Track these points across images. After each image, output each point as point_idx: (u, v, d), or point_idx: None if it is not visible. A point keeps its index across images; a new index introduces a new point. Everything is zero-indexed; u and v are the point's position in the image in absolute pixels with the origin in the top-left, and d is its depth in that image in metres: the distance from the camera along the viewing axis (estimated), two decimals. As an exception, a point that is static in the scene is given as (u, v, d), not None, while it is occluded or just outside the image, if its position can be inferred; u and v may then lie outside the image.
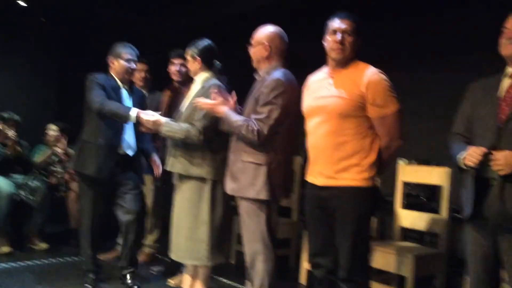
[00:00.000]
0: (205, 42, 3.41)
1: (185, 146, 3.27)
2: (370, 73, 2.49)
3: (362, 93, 2.47)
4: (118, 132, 3.63)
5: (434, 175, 3.68)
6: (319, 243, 2.65)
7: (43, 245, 4.82)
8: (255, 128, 2.78)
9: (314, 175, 2.63)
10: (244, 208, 2.94)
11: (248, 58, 3.07)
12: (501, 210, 2.24)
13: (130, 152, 3.72)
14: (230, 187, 3.00)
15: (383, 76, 2.51)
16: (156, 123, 3.29)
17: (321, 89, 2.62)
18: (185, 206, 3.30)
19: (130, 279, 3.72)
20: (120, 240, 4.40)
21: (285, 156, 2.93)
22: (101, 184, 3.64)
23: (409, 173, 3.85)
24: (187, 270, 3.51)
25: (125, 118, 3.42)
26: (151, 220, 4.61)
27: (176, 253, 3.36)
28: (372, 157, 2.50)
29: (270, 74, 2.90)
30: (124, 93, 3.74)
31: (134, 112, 3.38)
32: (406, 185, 4.03)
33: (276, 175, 2.86)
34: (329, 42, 2.57)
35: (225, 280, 4.14)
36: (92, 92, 3.54)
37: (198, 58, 3.36)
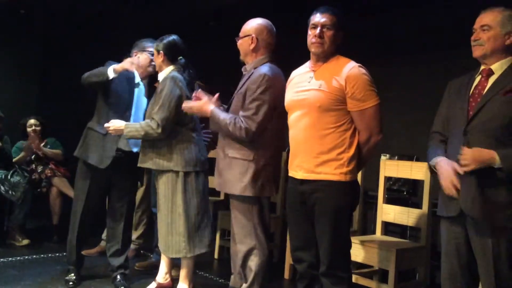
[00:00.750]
0: (170, 37, 3.46)
1: (152, 141, 3.31)
2: (350, 67, 2.51)
3: (341, 86, 2.49)
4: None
5: (416, 170, 3.72)
6: (300, 238, 2.67)
7: (25, 241, 4.77)
8: (243, 126, 2.78)
9: (294, 168, 2.64)
10: (235, 204, 2.94)
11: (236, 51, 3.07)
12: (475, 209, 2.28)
13: (135, 149, 3.59)
14: (216, 182, 3.00)
15: (363, 70, 2.53)
16: (116, 130, 3.35)
17: (302, 83, 2.64)
18: (161, 201, 3.36)
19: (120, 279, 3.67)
20: (105, 236, 4.42)
21: (275, 151, 2.95)
22: (100, 175, 3.55)
23: (391, 168, 3.88)
24: (166, 263, 3.56)
25: (102, 75, 3.40)
26: (137, 216, 4.59)
27: (161, 248, 3.42)
28: (352, 151, 2.52)
29: (257, 68, 2.91)
30: (141, 87, 3.69)
31: (111, 67, 3.39)
32: (388, 179, 4.07)
33: (266, 171, 2.87)
34: (309, 36, 2.59)
35: (208, 275, 4.14)
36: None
37: (162, 52, 3.42)
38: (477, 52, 2.40)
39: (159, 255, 4.11)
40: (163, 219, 3.36)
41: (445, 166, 2.35)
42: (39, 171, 5.13)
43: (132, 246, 4.56)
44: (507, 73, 2.34)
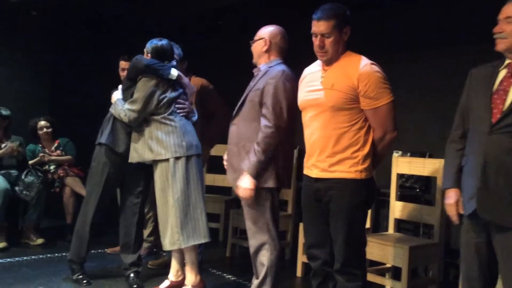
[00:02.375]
0: (159, 41, 3.51)
1: (135, 133, 3.45)
2: (362, 65, 2.47)
3: (354, 85, 2.46)
4: None
5: (428, 167, 3.70)
6: (315, 235, 2.66)
7: (39, 240, 4.81)
8: (269, 132, 2.82)
9: (309, 167, 2.64)
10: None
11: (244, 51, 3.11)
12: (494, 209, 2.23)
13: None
14: (231, 178, 3.02)
15: (376, 68, 2.48)
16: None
17: (314, 82, 2.61)
18: (157, 194, 3.41)
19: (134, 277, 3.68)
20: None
21: (288, 148, 2.98)
22: (119, 166, 3.59)
23: (403, 165, 3.86)
24: (177, 260, 3.59)
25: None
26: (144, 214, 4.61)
27: (162, 242, 3.44)
28: (366, 149, 2.51)
29: (272, 67, 2.96)
30: None
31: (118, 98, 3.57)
32: (401, 176, 4.05)
33: (280, 165, 2.90)
34: (313, 43, 2.56)
35: (220, 273, 4.15)
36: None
37: (149, 55, 3.49)
38: (500, 46, 2.27)
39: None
40: (159, 213, 3.40)
41: (450, 200, 2.44)
42: (52, 171, 5.18)
43: (145, 244, 4.59)
44: None
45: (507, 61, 2.33)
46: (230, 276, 4.10)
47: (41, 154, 5.15)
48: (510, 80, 2.27)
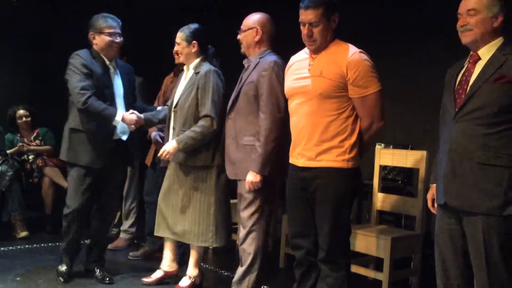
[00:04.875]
0: (197, 25, 3.37)
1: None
2: (351, 53, 2.47)
3: (342, 73, 2.45)
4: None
5: (411, 159, 3.71)
6: (299, 224, 2.65)
7: (23, 233, 4.69)
8: (266, 128, 2.80)
9: (295, 156, 2.62)
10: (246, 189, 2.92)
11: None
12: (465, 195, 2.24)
13: (124, 137, 3.49)
14: (230, 171, 3.02)
15: (364, 56, 2.48)
16: (138, 121, 3.36)
17: (302, 70, 2.60)
18: (190, 192, 3.34)
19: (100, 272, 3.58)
20: (124, 227, 4.55)
21: (286, 137, 2.92)
22: (94, 175, 3.41)
23: (386, 156, 3.88)
24: (172, 251, 3.60)
25: (109, 121, 3.32)
26: (127, 205, 4.57)
27: (184, 236, 3.37)
28: (354, 138, 2.50)
29: (263, 58, 2.93)
30: (112, 72, 3.47)
31: (119, 116, 3.30)
32: (383, 168, 4.07)
33: (282, 156, 2.85)
34: (302, 32, 2.54)
35: (207, 266, 4.13)
36: (75, 82, 3.26)
37: (195, 42, 3.33)
38: (466, 38, 2.30)
39: (153, 244, 4.10)
40: (192, 209, 3.33)
41: (428, 195, 2.53)
42: (30, 161, 5.09)
43: (125, 235, 4.56)
44: (495, 57, 2.24)
45: (471, 53, 2.36)
46: (212, 267, 4.08)
47: (19, 144, 5.06)
48: (471, 70, 2.31)
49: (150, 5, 5.83)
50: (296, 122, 2.61)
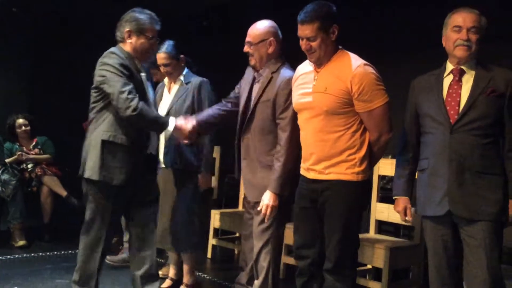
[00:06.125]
0: (172, 41, 3.45)
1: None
2: (355, 66, 2.43)
3: (347, 88, 2.42)
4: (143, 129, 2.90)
5: (410, 169, 3.70)
6: (307, 236, 2.63)
7: (21, 242, 4.67)
8: (286, 150, 2.70)
9: (306, 169, 2.61)
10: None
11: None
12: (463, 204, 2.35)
13: (154, 151, 3.05)
14: (255, 195, 2.83)
15: (369, 69, 2.45)
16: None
17: (307, 84, 2.57)
18: (179, 200, 3.40)
19: None
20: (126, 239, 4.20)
21: (298, 152, 2.86)
22: (125, 194, 2.86)
23: (385, 166, 3.87)
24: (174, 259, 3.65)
25: (161, 129, 2.91)
26: None
27: (170, 245, 3.41)
28: (363, 151, 2.49)
29: (276, 72, 2.78)
30: (144, 78, 2.95)
31: (172, 125, 2.87)
32: (382, 178, 4.06)
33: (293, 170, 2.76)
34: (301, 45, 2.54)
35: (201, 274, 4.12)
36: (120, 85, 2.69)
37: (182, 56, 3.43)
38: (465, 53, 2.38)
39: None
40: (178, 217, 3.37)
41: (398, 208, 2.64)
42: (29, 170, 5.09)
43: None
44: (481, 72, 2.39)
45: (449, 67, 2.47)
46: (210, 277, 4.06)
47: (18, 153, 5.06)
48: (459, 83, 2.41)
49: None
50: (305, 137, 2.60)
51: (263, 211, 2.71)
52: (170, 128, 2.85)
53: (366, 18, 4.83)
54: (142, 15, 2.88)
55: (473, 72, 2.40)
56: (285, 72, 2.78)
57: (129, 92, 2.69)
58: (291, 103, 2.70)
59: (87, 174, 2.76)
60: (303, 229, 2.66)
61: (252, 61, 2.83)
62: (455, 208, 2.35)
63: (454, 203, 2.35)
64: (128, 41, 2.87)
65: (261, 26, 2.80)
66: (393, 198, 2.66)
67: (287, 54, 2.88)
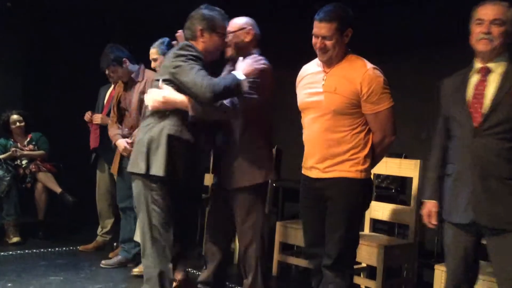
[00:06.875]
0: (167, 39, 3.53)
1: None
2: (365, 70, 2.47)
3: (356, 90, 2.46)
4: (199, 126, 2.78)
5: (404, 168, 3.72)
6: (315, 234, 2.65)
7: (15, 239, 4.68)
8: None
9: (309, 168, 2.63)
10: (241, 199, 2.83)
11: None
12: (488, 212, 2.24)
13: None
14: (234, 180, 2.83)
15: (378, 73, 2.49)
16: None
17: (315, 84, 2.58)
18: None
19: None
20: (100, 232, 4.53)
21: (271, 142, 2.96)
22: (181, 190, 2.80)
23: (380, 165, 3.85)
24: None
25: (239, 88, 2.64)
26: (102, 208, 4.57)
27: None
28: (366, 150, 2.52)
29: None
30: None
31: (240, 74, 2.66)
32: (377, 177, 4.08)
33: (268, 157, 2.86)
34: (314, 43, 2.52)
35: (195, 272, 4.12)
36: (201, 76, 2.59)
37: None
38: (485, 47, 2.26)
39: (127, 252, 4.05)
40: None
41: (425, 211, 2.47)
42: (23, 166, 5.07)
43: (100, 239, 4.58)
44: (509, 71, 2.25)
45: (477, 66, 2.35)
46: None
47: (12, 149, 5.04)
48: (484, 83, 2.29)
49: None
50: (310, 136, 2.61)
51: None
52: (240, 76, 2.64)
53: (366, 18, 4.82)
54: (213, 12, 2.84)
55: (500, 71, 2.27)
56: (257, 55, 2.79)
57: (203, 77, 2.58)
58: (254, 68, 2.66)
59: (154, 171, 2.63)
60: (310, 229, 2.68)
61: (229, 52, 2.87)
62: (479, 217, 2.24)
63: (478, 211, 2.24)
64: (201, 39, 2.80)
65: (239, 18, 2.91)
66: (421, 201, 2.59)
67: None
